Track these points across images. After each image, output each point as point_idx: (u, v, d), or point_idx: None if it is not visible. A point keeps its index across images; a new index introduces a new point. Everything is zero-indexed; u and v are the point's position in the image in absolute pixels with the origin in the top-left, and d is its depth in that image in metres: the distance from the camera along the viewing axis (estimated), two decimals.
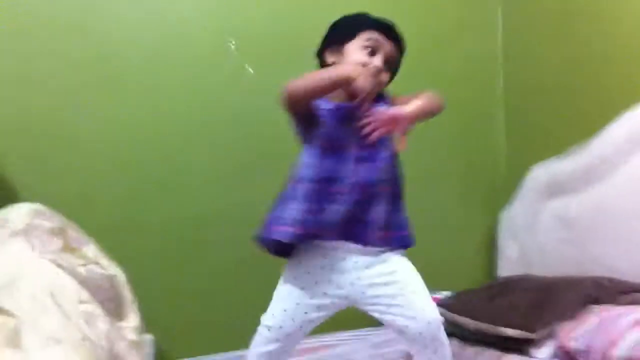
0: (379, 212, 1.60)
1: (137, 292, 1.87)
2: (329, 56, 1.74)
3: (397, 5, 2.83)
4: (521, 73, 3.00)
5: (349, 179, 1.58)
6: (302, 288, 1.62)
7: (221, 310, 2.47)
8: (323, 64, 1.75)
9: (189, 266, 2.45)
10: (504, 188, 2.99)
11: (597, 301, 2.00)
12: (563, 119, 2.72)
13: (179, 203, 2.45)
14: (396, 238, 1.64)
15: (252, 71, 2.56)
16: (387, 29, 1.71)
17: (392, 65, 1.73)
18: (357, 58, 1.67)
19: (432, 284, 2.62)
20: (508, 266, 2.82)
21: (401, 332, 1.59)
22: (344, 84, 1.56)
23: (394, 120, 1.55)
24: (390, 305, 1.58)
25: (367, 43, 1.68)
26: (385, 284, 1.60)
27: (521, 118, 2.99)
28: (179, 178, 2.46)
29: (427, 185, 2.76)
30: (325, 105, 1.65)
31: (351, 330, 2.40)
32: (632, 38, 2.42)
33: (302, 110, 1.64)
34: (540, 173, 2.69)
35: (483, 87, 3.11)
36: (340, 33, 1.73)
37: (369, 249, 1.61)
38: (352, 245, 1.60)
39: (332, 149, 1.61)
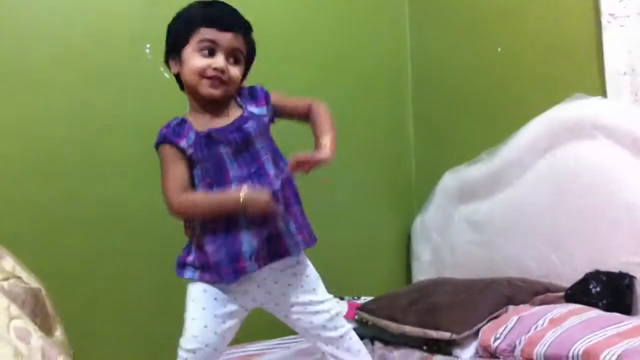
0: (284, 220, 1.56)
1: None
2: (173, 66, 1.61)
3: (304, 14, 2.89)
4: (430, 80, 3.09)
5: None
6: (215, 299, 1.57)
7: (145, 326, 2.41)
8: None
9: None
10: (417, 193, 3.08)
11: (513, 301, 2.10)
12: (473, 125, 2.83)
13: (87, 202, 2.37)
14: (302, 240, 1.60)
15: (167, 76, 2.51)
16: (219, 21, 1.56)
17: (239, 55, 1.59)
18: (196, 64, 1.54)
19: (351, 290, 2.68)
20: (422, 269, 2.90)
21: (307, 328, 1.62)
22: (232, 211, 1.49)
23: (318, 164, 1.50)
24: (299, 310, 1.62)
25: (201, 45, 1.54)
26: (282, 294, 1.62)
27: (431, 124, 3.08)
28: (91, 183, 2.38)
29: (340, 193, 2.80)
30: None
31: (276, 339, 2.40)
32: (539, 46, 2.56)
33: None
34: (452, 178, 2.79)
35: (392, 93, 3.18)
36: (174, 40, 1.60)
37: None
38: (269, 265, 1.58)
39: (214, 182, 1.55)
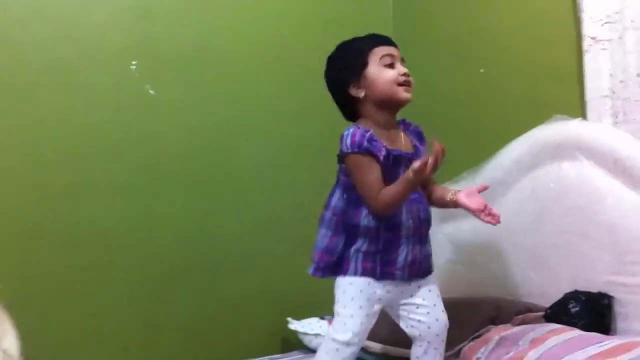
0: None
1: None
2: (357, 91, 1.81)
3: (286, 20, 2.90)
4: (413, 99, 3.09)
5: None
6: (368, 300, 1.76)
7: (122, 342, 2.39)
8: (352, 101, 1.84)
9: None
10: None
11: (495, 321, 2.11)
12: (455, 144, 2.80)
13: (74, 218, 2.36)
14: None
15: (153, 92, 2.51)
16: (386, 41, 1.84)
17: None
18: (388, 77, 1.79)
19: (332, 310, 2.67)
20: None
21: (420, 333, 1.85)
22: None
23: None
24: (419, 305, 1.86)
25: (384, 60, 1.79)
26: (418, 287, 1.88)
27: None
28: (79, 197, 2.37)
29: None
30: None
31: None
32: (521, 68, 2.60)
33: None
34: None
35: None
36: (352, 65, 1.81)
37: None
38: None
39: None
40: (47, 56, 2.35)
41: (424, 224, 1.86)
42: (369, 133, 1.75)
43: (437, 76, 2.95)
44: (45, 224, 2.30)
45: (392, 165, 1.78)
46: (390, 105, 1.83)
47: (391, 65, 1.80)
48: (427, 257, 1.89)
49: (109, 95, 2.44)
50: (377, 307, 1.81)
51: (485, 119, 2.74)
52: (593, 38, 2.26)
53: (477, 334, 2.05)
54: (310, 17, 2.94)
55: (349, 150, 1.74)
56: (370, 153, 1.73)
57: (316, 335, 2.49)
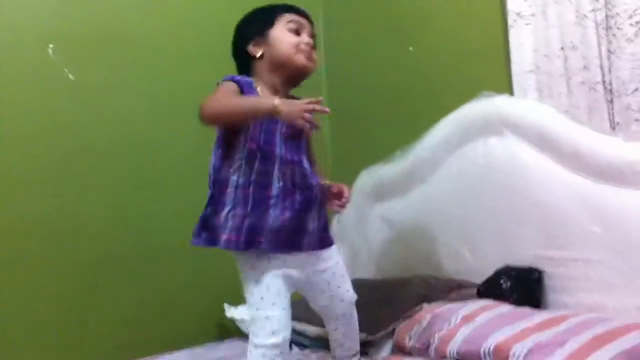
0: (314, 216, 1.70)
1: None
2: (256, 49, 1.74)
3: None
4: (345, 78, 3.07)
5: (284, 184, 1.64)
6: (275, 276, 1.64)
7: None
8: (249, 58, 1.75)
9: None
10: None
11: (427, 299, 2.11)
12: (388, 123, 2.84)
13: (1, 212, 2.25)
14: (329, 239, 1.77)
15: (72, 77, 2.40)
16: (300, 11, 1.78)
17: (315, 43, 1.78)
18: (289, 40, 1.71)
19: None
20: None
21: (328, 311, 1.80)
22: (265, 117, 1.59)
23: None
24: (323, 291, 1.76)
25: (290, 25, 1.73)
26: (324, 270, 1.75)
27: (347, 122, 3.04)
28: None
29: None
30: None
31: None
32: (449, 45, 2.60)
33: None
34: (368, 177, 2.79)
35: (307, 91, 3.15)
36: (258, 23, 1.76)
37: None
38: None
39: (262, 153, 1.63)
40: None
41: (300, 190, 1.66)
42: (251, 80, 1.69)
43: (368, 53, 2.93)
44: None
45: (267, 121, 1.64)
46: (284, 69, 1.72)
47: (297, 32, 1.74)
48: (307, 228, 1.68)
49: (24, 81, 2.32)
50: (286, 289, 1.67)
51: (416, 98, 2.73)
52: (517, 13, 2.27)
53: (409, 312, 2.04)
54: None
55: (220, 81, 1.67)
56: (240, 84, 1.65)
57: None
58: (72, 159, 2.41)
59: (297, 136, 1.69)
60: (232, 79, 1.67)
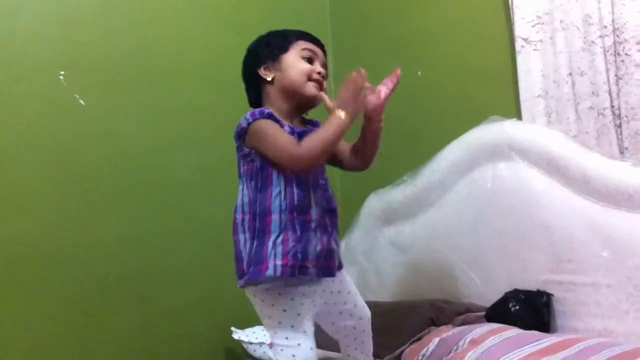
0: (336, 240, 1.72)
1: None
2: (267, 73, 1.74)
3: (217, 27, 2.85)
4: None
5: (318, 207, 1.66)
6: (304, 304, 1.63)
7: None
8: (259, 81, 1.75)
9: None
10: (342, 216, 3.05)
11: (435, 323, 2.10)
12: (396, 147, 2.83)
13: (5, 235, 2.23)
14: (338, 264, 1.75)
15: (83, 102, 2.43)
16: (314, 39, 1.78)
17: (327, 75, 1.79)
18: (302, 67, 1.71)
19: None
20: None
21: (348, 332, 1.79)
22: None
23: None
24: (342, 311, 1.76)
25: (304, 53, 1.73)
26: (340, 291, 1.76)
27: None
28: (5, 211, 2.27)
29: None
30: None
31: None
32: (456, 70, 2.61)
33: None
34: (376, 201, 2.79)
35: (314, 115, 3.18)
36: (272, 47, 1.75)
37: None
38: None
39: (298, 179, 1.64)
40: None
41: (329, 214, 1.69)
42: (270, 110, 1.66)
43: (375, 78, 2.94)
44: None
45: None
46: (294, 97, 1.72)
47: (310, 61, 1.74)
48: (335, 252, 1.71)
49: (35, 106, 2.34)
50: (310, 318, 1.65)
51: (423, 122, 2.75)
52: (525, 39, 2.29)
53: (417, 336, 2.04)
54: (243, 23, 2.90)
55: (250, 120, 1.62)
56: (274, 119, 1.64)
57: (260, 344, 2.45)
58: (82, 180, 2.42)
59: None
60: (265, 116, 1.63)
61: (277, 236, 1.59)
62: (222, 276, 2.68)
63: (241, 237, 1.66)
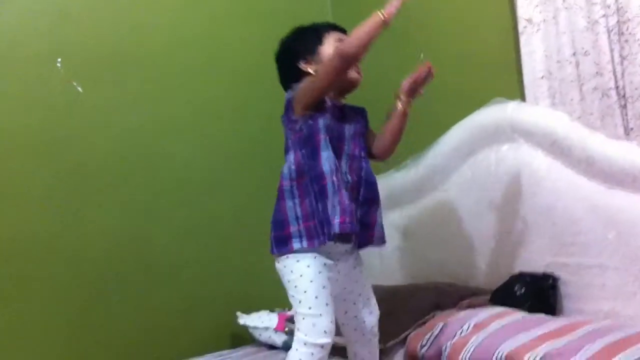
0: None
1: None
2: (308, 66, 1.81)
3: (218, 17, 2.83)
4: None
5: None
6: (330, 278, 1.70)
7: None
8: (300, 74, 1.80)
9: None
10: None
11: (440, 307, 2.10)
12: None
13: (4, 226, 2.26)
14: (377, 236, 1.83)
15: (80, 89, 2.42)
16: (340, 27, 1.89)
17: None
18: None
19: (281, 302, 2.65)
20: None
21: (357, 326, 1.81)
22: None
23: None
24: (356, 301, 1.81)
25: (337, 43, 1.80)
26: (356, 281, 1.81)
27: None
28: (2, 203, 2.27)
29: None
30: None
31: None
32: (459, 52, 2.58)
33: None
34: (379, 185, 2.77)
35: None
36: (307, 41, 1.84)
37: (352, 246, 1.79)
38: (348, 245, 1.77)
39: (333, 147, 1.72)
40: None
41: (365, 184, 1.79)
42: None
43: (375, 63, 2.91)
44: None
45: (338, 120, 1.79)
46: (339, 84, 1.80)
47: None
48: (373, 223, 1.81)
49: (34, 93, 2.34)
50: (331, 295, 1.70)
51: (425, 105, 2.70)
52: (527, 20, 2.26)
53: (422, 320, 2.03)
54: (243, 13, 2.88)
55: (294, 89, 1.76)
56: None
57: (266, 328, 2.46)
58: (79, 172, 2.43)
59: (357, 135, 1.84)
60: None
61: (333, 197, 1.65)
62: (224, 265, 2.70)
63: (288, 202, 1.70)
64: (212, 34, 2.79)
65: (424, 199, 2.57)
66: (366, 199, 1.78)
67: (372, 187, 1.82)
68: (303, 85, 1.74)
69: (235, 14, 2.85)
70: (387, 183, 2.74)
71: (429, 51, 2.69)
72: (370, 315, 1.83)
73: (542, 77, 2.23)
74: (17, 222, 2.28)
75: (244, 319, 2.52)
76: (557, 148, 2.12)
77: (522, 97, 2.30)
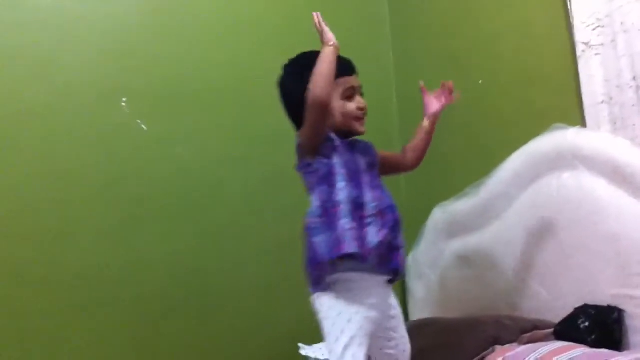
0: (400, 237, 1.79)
1: None
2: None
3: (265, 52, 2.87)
4: (416, 118, 3.05)
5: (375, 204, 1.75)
6: (366, 317, 1.68)
7: None
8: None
9: None
10: (409, 229, 3.03)
11: (499, 341, 2.05)
12: (459, 159, 2.80)
13: (64, 259, 2.36)
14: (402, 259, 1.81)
15: (145, 128, 2.53)
16: (349, 68, 1.86)
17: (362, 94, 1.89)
18: (346, 111, 1.82)
19: None
20: (417, 306, 2.86)
21: None
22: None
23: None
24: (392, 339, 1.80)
25: (346, 93, 1.82)
26: (393, 317, 1.82)
27: None
28: (69, 237, 2.38)
29: None
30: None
31: None
32: (517, 78, 2.55)
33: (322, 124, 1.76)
34: (441, 213, 2.76)
35: (379, 132, 3.15)
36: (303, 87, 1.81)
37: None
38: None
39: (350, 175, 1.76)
40: (22, 102, 2.36)
41: (390, 210, 1.78)
42: None
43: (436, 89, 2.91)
44: (35, 268, 2.30)
45: (351, 154, 1.81)
46: (342, 133, 1.83)
47: (351, 97, 1.83)
48: (398, 250, 1.79)
49: (101, 132, 2.46)
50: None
51: (485, 131, 2.69)
52: (585, 43, 2.21)
53: (480, 356, 1.99)
54: (289, 43, 2.91)
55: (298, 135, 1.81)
56: None
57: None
58: (137, 206, 2.52)
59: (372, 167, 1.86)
60: None
61: (346, 222, 1.67)
62: (284, 293, 2.72)
63: (319, 238, 1.69)
64: (264, 67, 2.85)
65: (485, 227, 2.52)
66: (396, 222, 1.77)
67: (396, 210, 1.80)
68: (301, 134, 1.79)
69: (284, 48, 2.90)
70: (448, 211, 2.72)
71: (487, 77, 2.67)
72: (405, 354, 1.83)
73: (602, 102, 2.17)
74: (85, 255, 2.38)
75: (306, 350, 2.53)
76: (619, 175, 2.05)
77: (583, 123, 2.24)
